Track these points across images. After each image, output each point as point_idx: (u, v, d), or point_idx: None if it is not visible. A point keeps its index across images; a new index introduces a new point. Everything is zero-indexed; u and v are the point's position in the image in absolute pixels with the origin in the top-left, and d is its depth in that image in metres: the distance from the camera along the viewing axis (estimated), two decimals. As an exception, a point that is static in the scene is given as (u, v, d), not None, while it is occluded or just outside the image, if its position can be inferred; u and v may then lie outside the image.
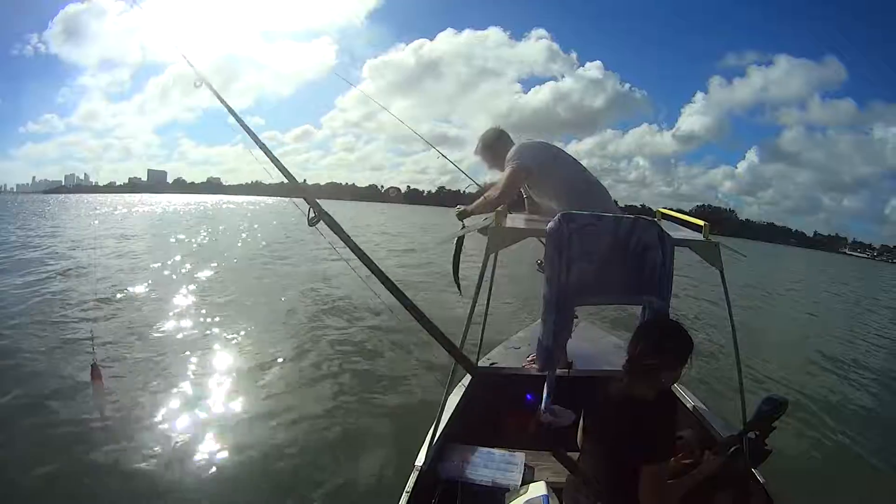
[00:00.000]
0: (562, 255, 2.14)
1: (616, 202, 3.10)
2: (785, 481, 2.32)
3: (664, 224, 2.83)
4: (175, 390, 4.77)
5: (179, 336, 6.53)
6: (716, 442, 2.43)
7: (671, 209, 2.86)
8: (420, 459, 2.29)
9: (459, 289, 2.96)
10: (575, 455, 2.52)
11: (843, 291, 23.24)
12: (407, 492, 2.09)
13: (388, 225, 35.62)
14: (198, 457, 3.66)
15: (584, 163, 3.00)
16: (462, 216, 2.91)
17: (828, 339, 10.18)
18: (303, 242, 17.01)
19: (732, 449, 2.01)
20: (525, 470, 2.46)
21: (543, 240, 3.03)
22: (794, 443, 4.38)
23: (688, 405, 2.91)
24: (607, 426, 1.89)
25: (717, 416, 2.78)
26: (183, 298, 8.57)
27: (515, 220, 2.66)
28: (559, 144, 3.02)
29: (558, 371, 2.64)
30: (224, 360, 5.69)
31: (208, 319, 7.32)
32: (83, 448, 3.63)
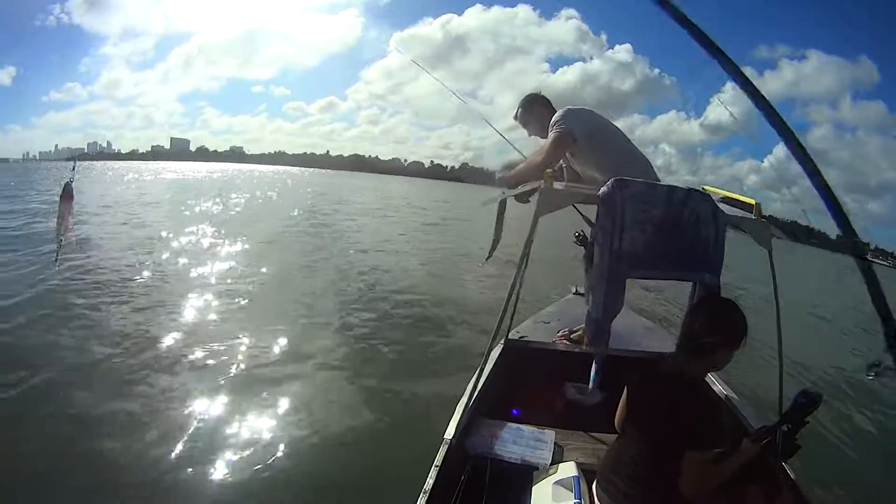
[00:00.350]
0: (615, 222, 2.05)
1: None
2: (813, 477, 2.28)
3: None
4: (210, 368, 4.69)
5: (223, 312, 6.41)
6: (747, 432, 2.37)
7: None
8: (449, 433, 2.23)
9: (490, 253, 2.85)
10: (605, 436, 2.51)
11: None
12: (436, 465, 2.05)
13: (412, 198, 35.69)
14: (230, 432, 3.65)
15: None
16: (508, 182, 2.71)
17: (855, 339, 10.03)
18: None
19: (766, 440, 1.95)
20: (555, 448, 2.40)
21: (582, 211, 2.94)
22: (822, 441, 4.32)
23: (720, 393, 2.82)
24: (657, 405, 1.82)
25: (749, 406, 2.69)
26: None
27: (567, 186, 2.56)
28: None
29: (586, 349, 2.55)
30: (260, 335, 5.55)
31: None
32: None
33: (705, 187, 2.82)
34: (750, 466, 1.87)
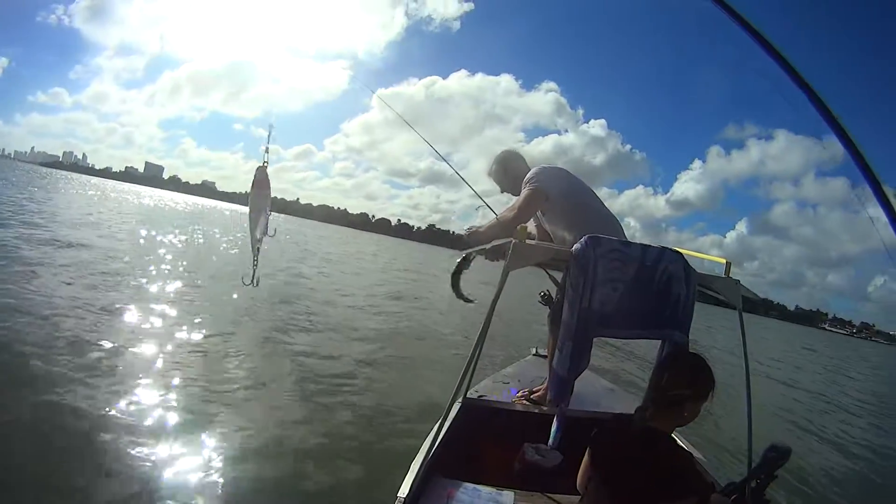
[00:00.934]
0: (587, 279, 2.03)
1: None
2: None
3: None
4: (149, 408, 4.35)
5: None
6: (714, 489, 2.33)
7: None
8: (403, 491, 2.09)
9: (463, 298, 2.74)
10: (565, 497, 2.43)
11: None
12: None
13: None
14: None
15: None
16: (471, 238, 2.73)
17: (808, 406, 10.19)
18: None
19: (734, 496, 1.92)
20: None
21: (548, 270, 2.94)
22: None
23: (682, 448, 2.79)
24: (626, 462, 1.78)
25: (711, 465, 2.66)
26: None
27: (539, 243, 2.56)
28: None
29: (546, 409, 2.50)
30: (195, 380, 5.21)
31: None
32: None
33: (677, 249, 2.88)
34: None
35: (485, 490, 2.40)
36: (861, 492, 5.65)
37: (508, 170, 2.98)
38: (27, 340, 5.04)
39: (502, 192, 3.04)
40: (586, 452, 1.94)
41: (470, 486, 2.41)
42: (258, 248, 2.31)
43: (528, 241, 2.23)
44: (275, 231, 2.32)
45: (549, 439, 2.59)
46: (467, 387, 3.25)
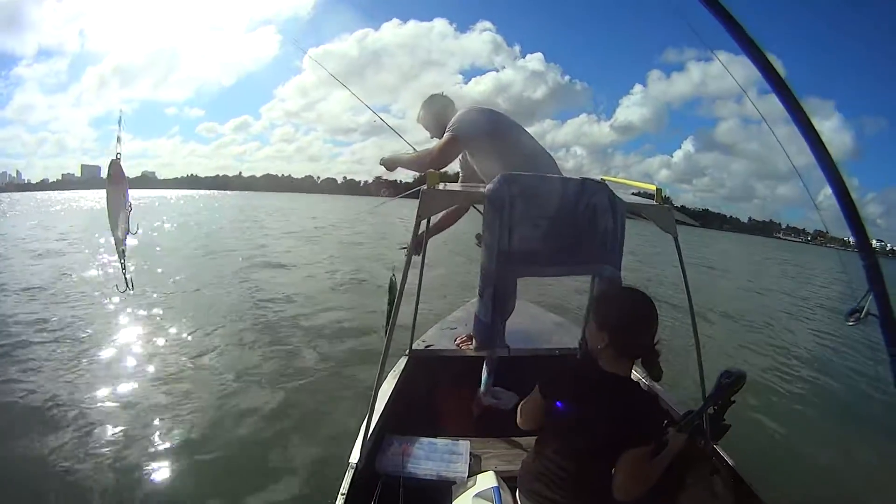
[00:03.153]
0: (503, 219, 1.91)
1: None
2: (744, 454, 2.24)
3: (611, 187, 2.69)
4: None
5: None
6: (673, 419, 2.32)
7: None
8: (354, 456, 2.05)
9: (386, 331, 2.70)
10: (523, 440, 2.38)
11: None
12: (342, 493, 1.86)
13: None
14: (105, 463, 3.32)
15: None
16: (387, 164, 2.72)
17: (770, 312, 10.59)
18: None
19: (694, 425, 1.87)
20: (471, 459, 2.28)
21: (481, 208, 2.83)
22: (750, 417, 4.44)
23: (641, 383, 2.76)
24: (584, 406, 1.69)
25: (670, 393, 2.68)
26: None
27: (451, 187, 2.43)
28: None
29: (497, 351, 2.39)
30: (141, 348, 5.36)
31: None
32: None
33: (604, 177, 2.76)
34: (681, 455, 1.78)
35: (440, 442, 2.39)
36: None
37: (435, 115, 2.86)
38: None
39: (431, 137, 2.92)
40: (535, 391, 1.85)
41: (425, 440, 2.39)
42: (123, 250, 2.14)
43: (440, 187, 2.14)
44: (137, 228, 2.14)
45: (489, 384, 2.56)
46: (411, 339, 3.22)
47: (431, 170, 1.99)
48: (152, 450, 3.54)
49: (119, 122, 2.25)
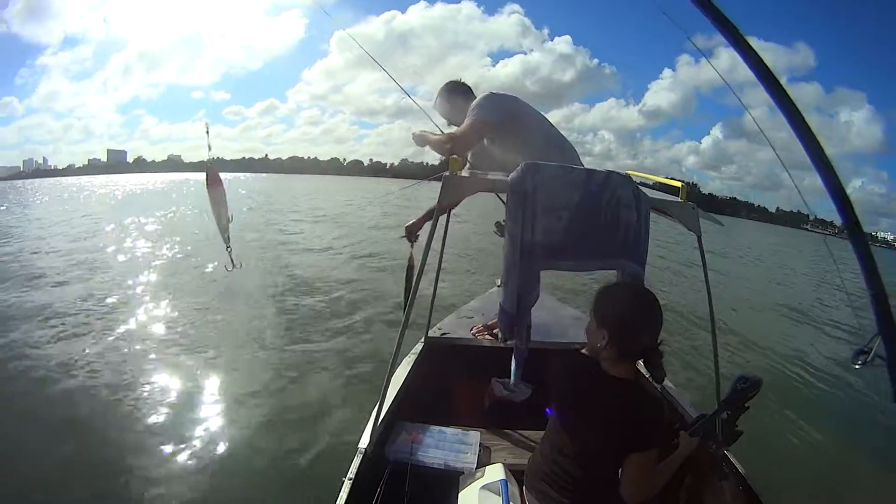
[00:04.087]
0: (526, 210, 1.86)
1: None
2: (756, 462, 2.19)
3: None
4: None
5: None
6: (685, 422, 2.28)
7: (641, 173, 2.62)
8: (364, 441, 2.04)
9: (405, 308, 2.71)
10: (534, 433, 2.36)
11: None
12: (349, 478, 1.86)
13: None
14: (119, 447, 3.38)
15: None
16: (417, 139, 2.70)
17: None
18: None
19: (706, 429, 1.83)
20: (481, 450, 2.28)
21: (503, 197, 2.79)
22: (765, 424, 4.25)
23: (649, 384, 2.72)
24: (590, 406, 1.66)
25: (685, 395, 2.63)
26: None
27: (473, 174, 2.38)
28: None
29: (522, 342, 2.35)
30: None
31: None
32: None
33: (629, 172, 2.69)
34: (691, 459, 1.75)
35: (450, 431, 2.38)
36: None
37: (453, 101, 2.81)
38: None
39: (449, 124, 2.89)
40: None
41: (435, 428, 2.39)
42: (227, 236, 2.44)
43: (463, 173, 2.10)
44: (231, 216, 2.41)
45: (518, 376, 2.51)
46: (428, 325, 3.20)
47: (454, 156, 1.94)
48: (165, 426, 3.68)
49: (207, 132, 2.45)
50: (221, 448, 3.44)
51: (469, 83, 2.91)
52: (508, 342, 2.27)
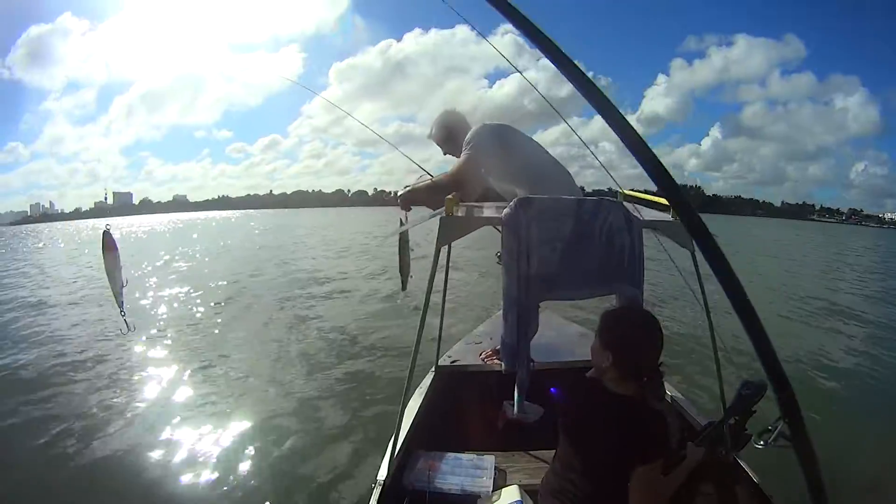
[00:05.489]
0: (521, 244, 1.92)
1: (582, 188, 2.92)
2: (767, 466, 2.21)
3: (630, 206, 2.68)
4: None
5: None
6: (695, 430, 2.33)
7: (639, 190, 2.67)
8: (382, 472, 2.10)
9: (404, 285, 2.79)
10: (547, 453, 2.40)
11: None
12: None
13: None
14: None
15: (552, 151, 2.78)
16: (405, 198, 2.67)
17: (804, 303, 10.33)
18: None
19: (713, 436, 1.88)
20: (496, 473, 2.33)
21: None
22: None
23: (665, 395, 2.75)
24: (595, 424, 1.73)
25: (693, 404, 2.68)
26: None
27: (469, 209, 2.42)
28: (525, 133, 2.81)
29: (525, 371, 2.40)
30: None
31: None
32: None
33: (623, 191, 2.75)
34: (700, 468, 1.80)
35: (466, 457, 2.43)
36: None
37: (449, 132, 2.87)
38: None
39: (445, 154, 2.93)
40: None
41: (451, 455, 2.43)
42: (122, 301, 2.46)
43: (462, 207, 2.17)
44: (126, 281, 2.44)
45: (521, 403, 2.57)
46: (437, 354, 3.26)
47: (450, 196, 1.99)
48: (180, 458, 3.79)
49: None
50: (241, 483, 3.49)
51: (468, 106, 2.97)
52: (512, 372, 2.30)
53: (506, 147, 2.63)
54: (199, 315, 8.39)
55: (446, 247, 2.21)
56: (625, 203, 2.36)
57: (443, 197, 2.28)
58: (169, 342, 6.87)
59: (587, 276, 2.01)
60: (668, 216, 2.19)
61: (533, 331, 2.08)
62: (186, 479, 3.50)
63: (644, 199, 2.54)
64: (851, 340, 7.60)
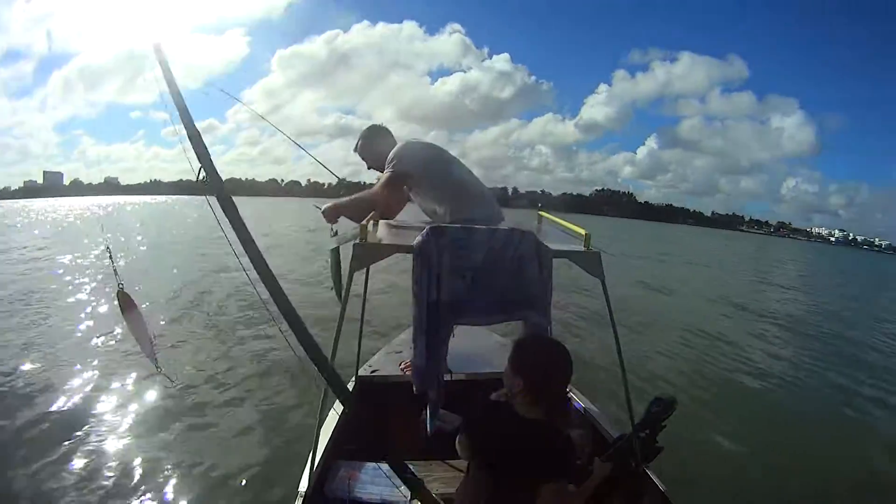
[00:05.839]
0: (431, 271, 1.98)
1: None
2: (676, 477, 2.36)
3: (544, 228, 2.80)
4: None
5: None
6: (606, 442, 2.45)
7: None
8: (303, 484, 2.13)
9: (339, 297, 2.80)
10: (462, 463, 2.49)
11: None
12: None
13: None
14: None
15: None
16: (329, 213, 2.66)
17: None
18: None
19: (623, 449, 2.01)
20: (414, 483, 2.35)
21: None
22: (684, 439, 4.22)
23: (579, 406, 2.91)
24: (501, 450, 1.80)
25: (607, 417, 2.79)
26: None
27: (387, 232, 2.46)
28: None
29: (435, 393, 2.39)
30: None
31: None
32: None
33: (541, 213, 2.86)
34: (611, 478, 1.92)
35: (385, 467, 2.42)
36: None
37: (373, 147, 2.89)
38: None
39: (368, 168, 2.96)
40: (461, 431, 1.98)
41: (371, 465, 2.48)
42: (155, 359, 2.33)
43: (381, 226, 2.27)
44: (155, 337, 2.36)
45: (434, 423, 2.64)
46: (357, 364, 3.30)
47: (362, 223, 2.01)
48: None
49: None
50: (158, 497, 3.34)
51: (407, 103, 2.97)
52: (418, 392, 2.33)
53: (430, 166, 2.69)
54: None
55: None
56: (540, 222, 2.47)
57: (365, 213, 2.32)
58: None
59: (496, 304, 2.09)
60: (580, 245, 2.24)
61: (443, 353, 2.15)
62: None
63: (559, 224, 2.65)
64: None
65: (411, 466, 2.43)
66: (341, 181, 3.21)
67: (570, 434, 2.15)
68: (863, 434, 5.35)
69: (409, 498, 2.25)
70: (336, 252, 2.54)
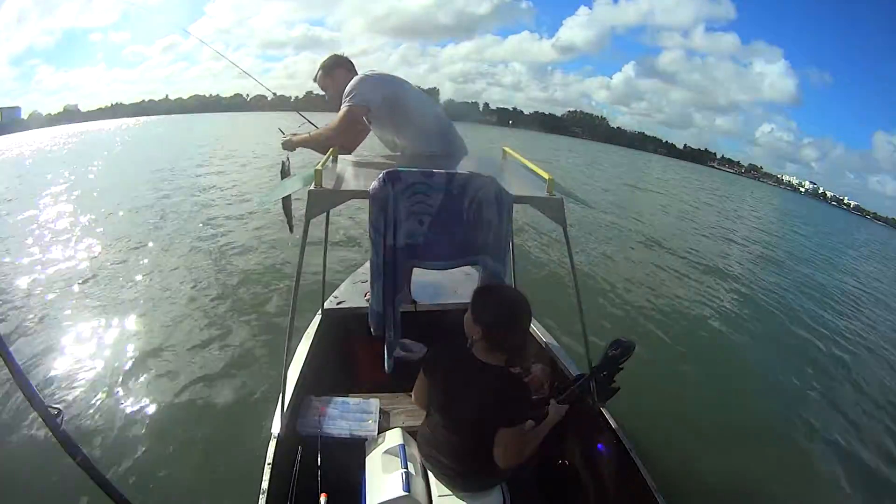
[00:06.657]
0: (387, 217, 1.96)
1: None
2: (632, 418, 2.49)
3: (508, 166, 2.76)
4: None
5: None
6: (566, 377, 2.54)
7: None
8: (275, 425, 2.16)
9: (291, 227, 2.80)
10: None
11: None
12: (269, 463, 1.97)
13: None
14: None
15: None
16: (287, 145, 2.68)
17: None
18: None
19: (581, 389, 2.09)
20: (381, 416, 2.43)
21: None
22: (641, 380, 4.15)
23: (541, 342, 2.96)
24: (461, 392, 1.90)
25: (569, 355, 2.84)
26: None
27: (345, 171, 2.38)
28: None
29: (403, 307, 2.38)
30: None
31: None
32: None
33: (506, 149, 2.83)
34: (568, 417, 2.03)
35: (353, 401, 2.52)
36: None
37: (334, 78, 2.84)
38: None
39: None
40: (420, 373, 2.07)
41: (339, 399, 2.51)
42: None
43: (339, 164, 2.23)
44: None
45: (408, 339, 2.76)
46: (322, 297, 3.26)
47: (317, 168, 1.96)
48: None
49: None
50: (135, 448, 3.18)
51: (380, 13, 2.86)
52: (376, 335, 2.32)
53: (390, 100, 2.65)
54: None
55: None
56: (504, 158, 2.44)
57: (325, 148, 2.29)
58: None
59: (453, 248, 2.11)
60: (542, 192, 2.18)
61: (400, 298, 2.18)
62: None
63: (526, 165, 2.60)
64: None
65: (377, 400, 2.53)
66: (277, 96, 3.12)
67: (531, 369, 2.26)
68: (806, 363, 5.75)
69: (376, 432, 2.32)
70: (286, 174, 2.53)
